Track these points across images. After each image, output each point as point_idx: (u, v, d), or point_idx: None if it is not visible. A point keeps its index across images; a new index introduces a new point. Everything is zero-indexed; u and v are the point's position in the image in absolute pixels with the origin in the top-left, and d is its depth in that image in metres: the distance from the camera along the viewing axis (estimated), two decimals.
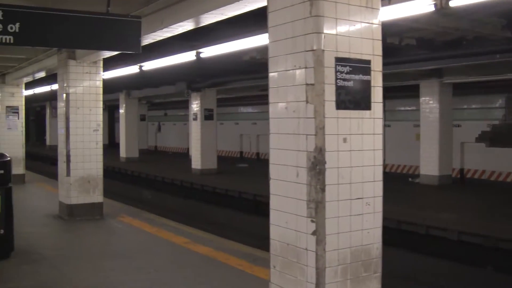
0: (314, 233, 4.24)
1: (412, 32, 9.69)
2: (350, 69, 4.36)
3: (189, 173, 20.98)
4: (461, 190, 15.98)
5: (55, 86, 20.13)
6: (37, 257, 7.63)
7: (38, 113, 44.39)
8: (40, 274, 6.81)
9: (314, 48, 4.22)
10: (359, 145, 4.45)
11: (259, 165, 24.31)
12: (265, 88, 15.83)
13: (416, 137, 17.41)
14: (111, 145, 36.93)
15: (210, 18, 6.53)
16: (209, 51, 10.71)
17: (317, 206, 4.22)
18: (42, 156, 33.74)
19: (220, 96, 22.33)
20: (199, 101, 20.87)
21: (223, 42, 9.88)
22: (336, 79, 4.30)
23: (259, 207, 15.45)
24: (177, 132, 35.13)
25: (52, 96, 31.41)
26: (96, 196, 10.75)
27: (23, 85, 16.80)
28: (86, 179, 10.60)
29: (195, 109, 21.12)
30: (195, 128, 21.24)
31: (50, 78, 17.17)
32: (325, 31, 4.24)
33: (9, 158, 7.45)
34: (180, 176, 20.10)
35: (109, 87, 18.43)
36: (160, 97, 28.33)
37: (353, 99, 4.40)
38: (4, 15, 5.82)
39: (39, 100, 34.86)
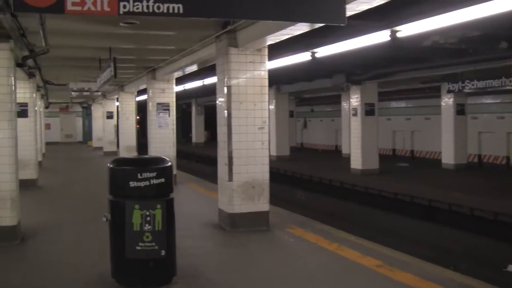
0: None
1: None
2: None
3: (348, 173, 19.30)
4: None
5: (208, 80, 19.20)
6: (204, 284, 6.27)
7: (183, 110, 44.45)
8: None
9: None
10: None
11: (419, 165, 22.28)
12: (430, 80, 13.77)
13: None
14: None
15: None
16: (408, 30, 8.77)
17: None
18: (188, 154, 33.38)
19: None
20: (359, 95, 19.08)
21: (420, 19, 7.99)
22: None
23: (436, 215, 13.53)
24: (324, 128, 33.66)
25: (198, 93, 30.97)
26: (262, 204, 9.31)
27: (174, 81, 15.81)
28: (250, 184, 9.19)
29: (354, 104, 19.34)
30: (355, 125, 19.46)
31: (201, 72, 16.15)
32: None
33: (170, 164, 6.08)
34: (338, 176, 18.46)
35: None
36: (309, 92, 26.87)
37: None
38: None
39: (185, 98, 34.55)
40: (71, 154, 30.22)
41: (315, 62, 11.86)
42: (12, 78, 8.36)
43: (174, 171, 15.30)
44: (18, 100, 14.16)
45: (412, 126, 26.23)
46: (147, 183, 5.76)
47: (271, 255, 7.67)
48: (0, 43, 8.22)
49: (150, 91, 15.54)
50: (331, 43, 10.47)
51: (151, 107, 15.40)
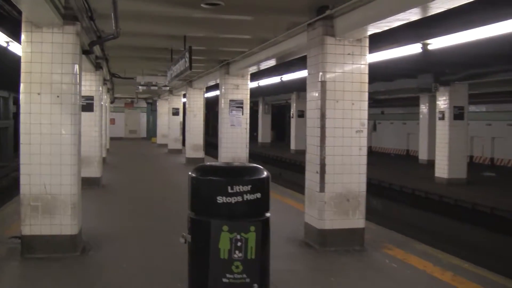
0: None
1: None
2: None
3: (431, 182, 17.68)
4: None
5: (287, 77, 17.91)
6: None
7: (250, 108, 43.37)
8: None
9: None
10: None
11: (507, 175, 20.49)
12: None
13: None
14: None
15: None
16: None
17: None
18: (254, 154, 32.19)
19: None
20: (447, 97, 17.43)
21: None
22: None
23: None
24: (395, 132, 32.00)
25: (265, 91, 29.77)
26: (357, 220, 8.01)
27: (249, 76, 14.63)
28: (344, 197, 7.90)
29: (442, 107, 17.67)
30: (441, 130, 17.78)
31: (277, 68, 14.97)
32: None
33: (266, 174, 4.82)
34: (421, 185, 16.89)
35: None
36: (385, 93, 25.23)
37: None
38: None
39: (251, 95, 33.39)
40: (135, 150, 29.54)
41: (425, 55, 10.36)
42: (77, 66, 7.27)
43: None
44: (84, 93, 13.44)
45: (493, 132, 24.43)
46: (239, 198, 4.52)
47: (375, 286, 6.36)
48: (66, 25, 7.14)
49: (223, 87, 14.40)
50: (448, 33, 8.95)
51: (223, 104, 14.26)
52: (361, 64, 7.95)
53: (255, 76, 17.86)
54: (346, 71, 7.85)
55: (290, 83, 20.30)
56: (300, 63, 15.01)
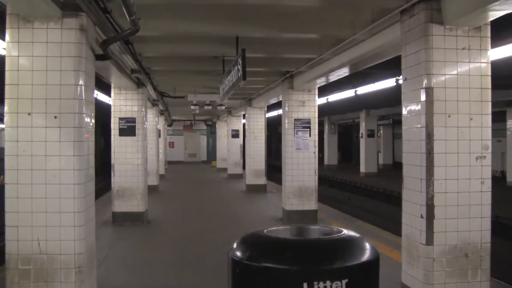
0: None
1: None
2: None
3: None
4: None
5: (364, 90, 15.50)
6: None
7: None
8: None
9: None
10: None
11: None
12: None
13: None
14: (395, 166, 33.01)
15: None
16: None
17: None
18: (322, 178, 29.84)
19: None
20: None
21: None
22: None
23: None
24: None
25: (330, 110, 27.51)
26: (479, 283, 5.63)
27: (316, 91, 12.35)
28: (461, 251, 5.55)
29: None
30: None
31: (350, 80, 12.72)
32: None
33: (372, 254, 2.57)
34: None
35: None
36: None
37: None
38: None
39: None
40: (192, 175, 27.62)
41: None
42: (84, 74, 5.20)
43: (315, 207, 11.91)
44: (124, 115, 11.59)
45: None
46: None
47: None
48: (66, 18, 5.13)
49: (287, 104, 12.16)
50: None
51: (287, 125, 12.02)
52: (481, 62, 5.61)
53: (321, 92, 15.58)
54: (461, 73, 5.54)
55: (366, 98, 17.94)
56: (377, 72, 12.76)
